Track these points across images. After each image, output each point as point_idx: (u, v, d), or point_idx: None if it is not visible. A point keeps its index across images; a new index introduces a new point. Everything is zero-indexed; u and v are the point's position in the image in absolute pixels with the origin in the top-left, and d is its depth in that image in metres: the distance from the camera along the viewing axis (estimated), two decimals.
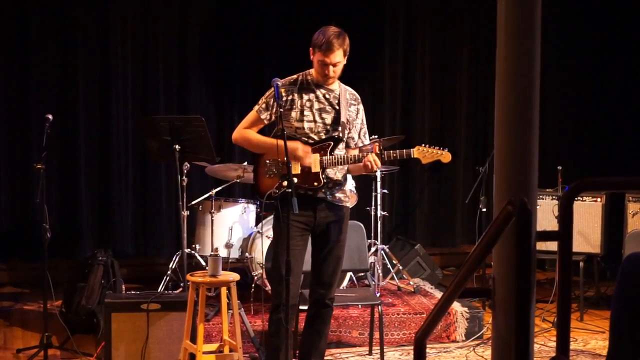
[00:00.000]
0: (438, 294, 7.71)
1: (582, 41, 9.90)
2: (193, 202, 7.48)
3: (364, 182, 8.06)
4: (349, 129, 5.41)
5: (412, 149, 5.34)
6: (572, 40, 9.90)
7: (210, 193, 7.40)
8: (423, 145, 5.40)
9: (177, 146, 6.39)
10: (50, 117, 6.42)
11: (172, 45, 8.83)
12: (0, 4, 8.32)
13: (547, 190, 7.93)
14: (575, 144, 10.08)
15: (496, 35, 3.09)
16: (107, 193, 8.65)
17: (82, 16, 8.51)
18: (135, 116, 8.58)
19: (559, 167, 7.73)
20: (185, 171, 6.92)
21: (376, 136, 7.54)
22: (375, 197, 7.87)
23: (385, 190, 8.14)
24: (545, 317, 7.47)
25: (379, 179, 7.79)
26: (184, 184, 6.76)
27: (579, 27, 9.90)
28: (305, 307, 5.57)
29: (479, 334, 7.06)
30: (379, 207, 7.85)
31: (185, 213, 6.80)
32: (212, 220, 7.32)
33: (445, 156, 5.41)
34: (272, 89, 5.25)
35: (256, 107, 5.40)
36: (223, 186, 7.62)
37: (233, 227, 7.47)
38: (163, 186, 8.76)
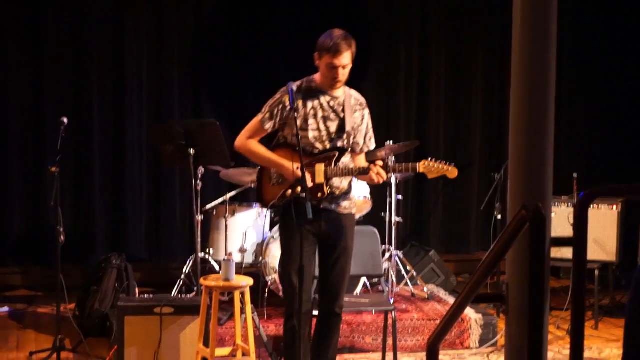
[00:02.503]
0: (452, 301, 7.67)
1: (596, 49, 9.87)
2: (207, 207, 7.48)
3: (379, 188, 8.03)
4: (355, 135, 5.34)
5: (417, 164, 5.24)
6: (586, 48, 9.87)
7: (225, 197, 7.40)
8: (429, 159, 5.31)
9: (191, 150, 6.38)
10: (65, 120, 6.41)
11: (186, 51, 8.84)
12: (13, 9, 8.36)
13: (563, 197, 7.89)
14: (591, 152, 10.04)
15: (511, 43, 3.07)
16: (121, 197, 8.67)
17: (96, 20, 8.53)
18: (149, 121, 8.58)
19: (575, 175, 7.69)
20: (200, 175, 6.93)
21: (391, 142, 7.54)
22: (390, 203, 7.85)
23: (400, 197, 8.11)
24: (560, 325, 7.44)
25: (393, 185, 7.78)
26: (198, 188, 6.77)
27: (594, 36, 9.87)
28: (316, 313, 5.54)
29: (493, 341, 7.04)
30: (393, 213, 7.83)
31: (199, 217, 6.80)
32: (226, 225, 7.32)
33: (452, 172, 5.30)
34: (276, 96, 5.23)
35: (260, 117, 5.30)
36: (237, 191, 7.61)
37: (247, 232, 7.46)
38: (177, 190, 8.76)
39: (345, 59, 5.13)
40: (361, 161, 5.45)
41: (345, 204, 5.37)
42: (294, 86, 5.15)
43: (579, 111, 9.96)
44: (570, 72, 9.78)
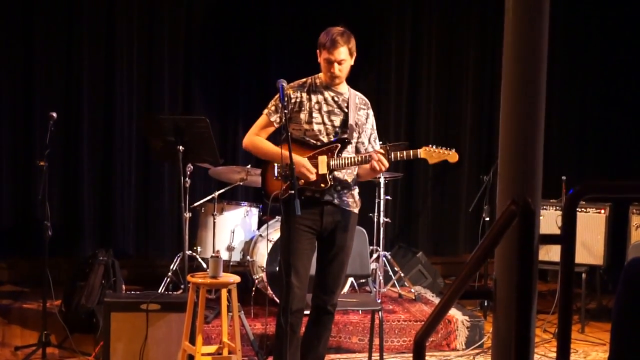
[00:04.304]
0: None
1: (589, 51, 9.89)
2: (195, 204, 7.47)
3: (367, 188, 8.03)
4: (359, 133, 5.39)
5: (419, 150, 5.32)
6: (580, 50, 9.88)
7: (213, 195, 7.38)
8: (430, 145, 5.39)
9: (180, 147, 6.37)
10: (54, 115, 6.41)
11: (178, 46, 8.83)
12: (5, 1, 8.32)
13: (551, 200, 7.90)
14: (580, 156, 10.05)
15: (503, 41, 3.07)
16: (110, 193, 8.64)
17: (87, 14, 8.51)
18: (139, 117, 8.57)
19: (564, 178, 7.70)
20: (189, 172, 6.91)
21: (380, 142, 7.54)
22: (379, 203, 7.86)
23: (389, 197, 8.12)
24: (546, 328, 7.44)
25: (382, 185, 7.79)
26: (187, 185, 6.75)
27: (587, 38, 9.89)
28: (307, 312, 5.53)
29: (479, 343, 7.04)
30: (381, 213, 7.84)
31: (187, 215, 6.78)
32: (214, 223, 7.31)
33: (452, 156, 5.41)
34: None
35: (265, 111, 5.38)
36: (226, 188, 7.60)
37: (235, 230, 7.45)
38: (166, 187, 8.75)
39: (341, 54, 5.20)
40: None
41: (348, 200, 5.40)
42: (284, 83, 5.17)
43: (570, 115, 9.97)
44: (563, 74, 9.79)
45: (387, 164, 5.22)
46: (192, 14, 8.89)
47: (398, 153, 5.31)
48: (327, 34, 5.23)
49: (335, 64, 5.21)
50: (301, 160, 5.20)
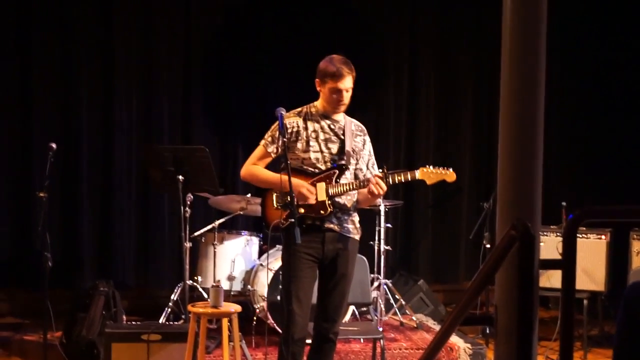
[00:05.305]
0: None
1: (588, 79, 9.87)
2: (196, 234, 7.46)
3: (368, 216, 8.01)
4: (357, 159, 5.39)
5: (416, 171, 5.30)
6: (578, 79, 9.87)
7: (213, 225, 7.37)
8: (427, 166, 5.38)
9: (180, 177, 6.37)
10: (53, 146, 6.42)
11: (176, 76, 8.85)
12: (2, 31, 8.35)
13: (552, 227, 7.88)
14: (581, 183, 10.00)
15: (500, 68, 3.07)
16: (109, 223, 8.63)
17: (85, 45, 8.54)
18: (138, 147, 8.57)
19: (564, 203, 7.68)
20: (189, 202, 6.90)
21: (379, 170, 7.53)
22: (379, 231, 7.84)
23: (389, 225, 8.10)
24: (549, 355, 7.40)
25: (382, 213, 7.77)
26: (187, 215, 6.74)
27: (586, 60, 9.86)
28: (309, 341, 5.50)
29: None
30: (382, 241, 7.82)
31: (188, 244, 6.77)
32: (214, 252, 7.30)
33: (450, 175, 5.39)
34: (277, 122, 5.25)
35: (262, 142, 5.39)
36: (226, 218, 7.59)
37: (235, 260, 7.44)
38: (166, 217, 8.73)
39: (348, 82, 5.26)
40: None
41: (349, 226, 5.37)
42: (283, 111, 5.18)
43: (571, 141, 9.93)
44: (562, 100, 9.76)
45: (385, 187, 5.19)
46: (190, 44, 8.90)
47: (396, 175, 5.27)
48: (331, 63, 5.26)
49: (344, 92, 5.25)
50: (299, 182, 5.20)
